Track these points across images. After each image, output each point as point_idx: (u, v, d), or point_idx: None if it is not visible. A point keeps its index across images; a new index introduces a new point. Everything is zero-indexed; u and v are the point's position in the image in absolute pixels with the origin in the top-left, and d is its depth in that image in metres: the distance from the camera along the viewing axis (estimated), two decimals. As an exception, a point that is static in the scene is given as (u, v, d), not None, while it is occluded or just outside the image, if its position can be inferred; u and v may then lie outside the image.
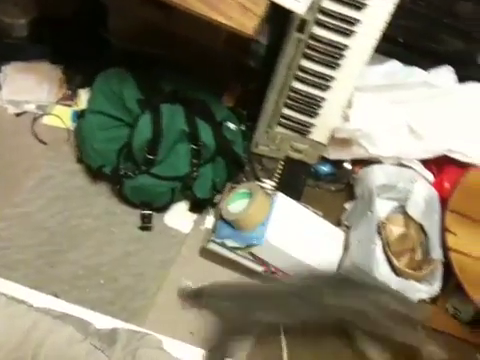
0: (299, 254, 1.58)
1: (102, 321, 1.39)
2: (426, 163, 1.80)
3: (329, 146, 1.82)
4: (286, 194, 1.68)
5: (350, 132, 1.63)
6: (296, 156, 1.85)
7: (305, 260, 1.59)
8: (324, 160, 1.91)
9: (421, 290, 1.51)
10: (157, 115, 1.47)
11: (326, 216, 1.79)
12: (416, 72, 1.66)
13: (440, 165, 1.76)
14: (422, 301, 1.64)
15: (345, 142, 1.78)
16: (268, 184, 1.80)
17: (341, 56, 1.52)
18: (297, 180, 1.85)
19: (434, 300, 1.68)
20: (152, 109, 1.48)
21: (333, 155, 1.84)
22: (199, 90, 1.59)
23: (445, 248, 1.52)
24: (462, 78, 1.71)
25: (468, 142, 1.65)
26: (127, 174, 1.49)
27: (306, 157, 1.85)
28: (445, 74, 1.64)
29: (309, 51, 1.53)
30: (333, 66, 1.55)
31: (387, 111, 1.67)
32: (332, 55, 1.53)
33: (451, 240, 1.51)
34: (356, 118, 1.62)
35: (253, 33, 1.21)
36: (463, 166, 1.68)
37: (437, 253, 1.55)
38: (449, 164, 1.73)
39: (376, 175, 1.65)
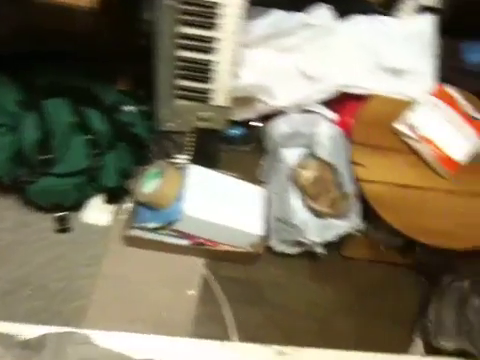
0: (221, 219, 1.59)
1: (36, 331, 1.36)
2: (329, 103, 1.80)
3: (233, 108, 1.80)
4: (202, 165, 1.69)
5: (244, 89, 1.62)
6: (204, 125, 1.83)
7: (229, 224, 1.58)
8: (234, 123, 1.88)
9: (341, 226, 1.55)
10: (41, 113, 1.42)
11: (246, 176, 1.80)
12: (296, 17, 1.65)
13: (342, 103, 1.78)
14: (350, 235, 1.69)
15: (246, 101, 1.78)
16: (181, 159, 1.78)
17: (215, 15, 1.50)
18: (210, 149, 1.85)
19: (363, 233, 1.73)
20: (34, 108, 1.43)
21: (239, 116, 1.83)
22: (81, 78, 1.54)
23: (356, 181, 1.54)
24: (343, 13, 1.71)
25: (360, 74, 1.67)
26: (26, 180, 1.44)
27: (214, 124, 1.84)
28: (323, 13, 1.65)
29: (184, 16, 1.51)
30: (210, 27, 1.53)
31: (276, 61, 1.67)
32: (206, 15, 1.51)
33: (360, 172, 1.54)
34: (246, 74, 1.61)
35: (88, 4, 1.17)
36: (361, 98, 1.68)
37: (349, 188, 1.57)
38: (350, 100, 1.75)
39: (278, 126, 1.66)
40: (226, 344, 1.48)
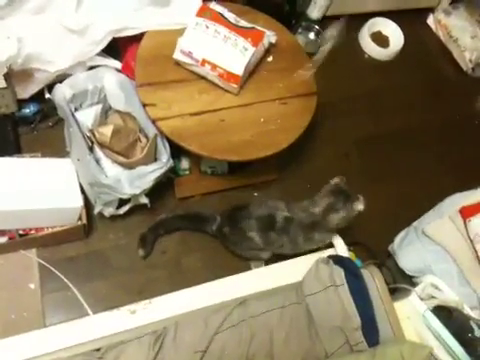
0: (33, 203, 1.51)
1: None
2: (116, 51, 1.75)
3: (17, 86, 1.66)
4: (2, 154, 1.56)
5: (15, 63, 1.50)
6: (-7, 112, 1.67)
7: (43, 205, 1.51)
8: (25, 102, 1.75)
9: (153, 169, 1.51)
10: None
11: (55, 151, 1.73)
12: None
13: (125, 48, 1.71)
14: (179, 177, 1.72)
15: (25, 74, 1.65)
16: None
17: None
18: (5, 135, 1.70)
19: (189, 170, 1.78)
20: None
21: (25, 93, 1.71)
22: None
23: (152, 122, 1.50)
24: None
25: (127, 14, 1.61)
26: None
27: (2, 109, 1.68)
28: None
29: None
30: None
31: (37, 24, 1.55)
32: None
33: (152, 112, 1.52)
34: (11, 46, 1.47)
35: None
36: (138, 39, 1.62)
37: (150, 130, 1.54)
38: (130, 43, 1.68)
39: (61, 91, 1.57)
40: (77, 322, 1.42)
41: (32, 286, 1.60)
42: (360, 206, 1.44)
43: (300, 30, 2.25)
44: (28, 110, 1.76)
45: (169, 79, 1.55)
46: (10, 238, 1.53)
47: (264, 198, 1.68)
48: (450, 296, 1.48)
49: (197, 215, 1.68)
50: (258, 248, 1.59)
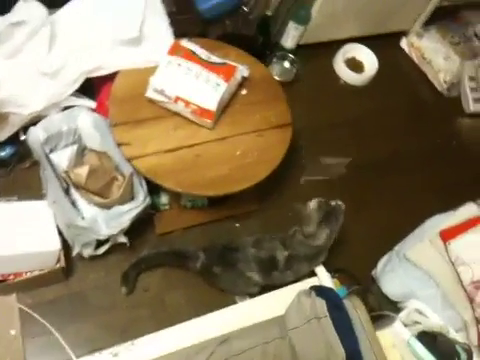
0: (10, 249, 1.48)
1: None
2: (90, 91, 1.73)
3: (-9, 129, 1.66)
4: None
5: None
6: (-34, 158, 1.66)
7: (21, 250, 1.50)
8: (0, 145, 1.74)
9: (130, 208, 1.51)
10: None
11: (31, 194, 1.70)
12: (1, 20, 1.53)
13: (98, 87, 1.71)
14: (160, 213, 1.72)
15: (1, 118, 1.65)
16: None
17: None
18: (-20, 181, 1.69)
19: (169, 205, 1.78)
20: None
21: (0, 136, 1.68)
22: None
23: (127, 161, 1.50)
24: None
25: (100, 55, 1.62)
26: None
27: (-23, 154, 1.68)
28: (29, 6, 1.55)
29: None
30: None
31: (10, 68, 1.56)
32: None
33: (127, 151, 1.51)
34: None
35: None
36: (111, 78, 1.63)
37: (126, 168, 1.54)
38: (104, 82, 1.69)
39: (35, 134, 1.57)
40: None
41: (13, 332, 1.57)
42: (341, 217, 1.52)
43: (275, 60, 2.28)
44: (4, 153, 1.75)
45: (143, 117, 1.56)
46: (-13, 286, 1.49)
47: (256, 235, 1.65)
48: (434, 321, 1.47)
49: (179, 252, 1.66)
50: (255, 284, 1.59)
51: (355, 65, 2.44)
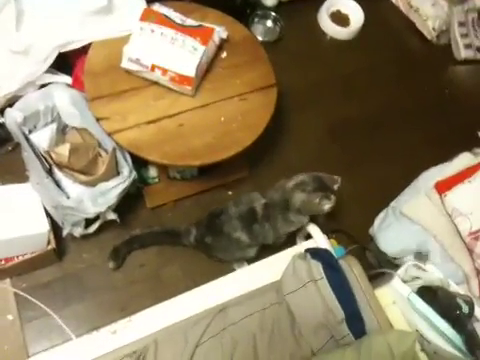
0: (2, 234, 1.49)
1: None
2: (66, 67, 1.71)
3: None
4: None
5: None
6: None
7: (9, 235, 1.48)
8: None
9: (116, 184, 1.48)
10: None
11: (16, 177, 1.67)
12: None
13: (73, 61, 1.65)
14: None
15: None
16: None
17: None
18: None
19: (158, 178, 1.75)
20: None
21: (-22, 119, 1.63)
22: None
23: (108, 135, 1.45)
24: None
25: (71, 28, 1.56)
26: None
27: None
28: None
29: None
30: None
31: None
32: None
33: (107, 125, 1.47)
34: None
35: None
36: (86, 51, 1.57)
37: (109, 144, 1.49)
38: (79, 56, 1.63)
39: (12, 115, 1.52)
40: (58, 349, 1.38)
41: (10, 317, 1.56)
42: (327, 206, 1.42)
43: (257, 19, 2.20)
44: (-16, 135, 1.69)
45: (121, 89, 1.50)
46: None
47: (236, 197, 1.61)
48: (434, 275, 1.45)
49: (171, 231, 1.63)
50: (246, 246, 1.57)
51: (341, 19, 2.37)
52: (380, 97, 2.20)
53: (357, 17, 2.33)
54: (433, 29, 2.36)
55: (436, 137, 2.10)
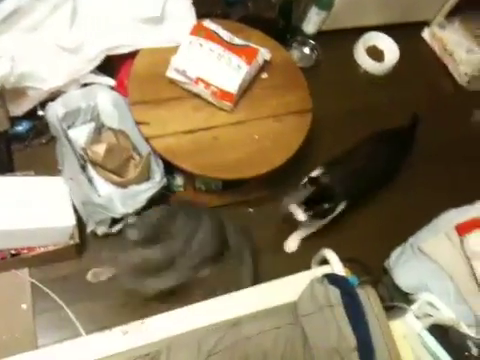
0: (25, 223, 1.50)
1: None
2: (111, 69, 1.74)
3: (10, 104, 1.65)
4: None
5: (8, 81, 1.48)
6: (-16, 132, 1.66)
7: (35, 225, 1.49)
8: (18, 119, 1.73)
9: (146, 188, 1.50)
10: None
11: (48, 169, 1.69)
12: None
13: (118, 65, 1.70)
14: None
15: (17, 92, 1.64)
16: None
17: None
18: (-2, 153, 1.69)
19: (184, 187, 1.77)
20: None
21: (18, 110, 1.70)
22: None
23: (146, 140, 1.49)
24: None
25: (121, 33, 1.60)
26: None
27: (-5, 127, 1.67)
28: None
29: None
30: None
31: (29, 42, 1.54)
32: None
33: (146, 130, 1.50)
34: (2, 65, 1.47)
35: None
36: (132, 56, 1.62)
37: (144, 148, 1.53)
38: (124, 61, 1.68)
39: (53, 109, 1.56)
40: (69, 343, 1.40)
41: (24, 306, 1.58)
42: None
43: (295, 45, 2.26)
44: (21, 127, 1.74)
45: (163, 97, 1.54)
46: (2, 258, 1.51)
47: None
48: (446, 314, 1.46)
49: None
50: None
51: (376, 54, 2.41)
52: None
53: (392, 54, 2.38)
54: (465, 74, 2.40)
55: (457, 180, 2.12)
